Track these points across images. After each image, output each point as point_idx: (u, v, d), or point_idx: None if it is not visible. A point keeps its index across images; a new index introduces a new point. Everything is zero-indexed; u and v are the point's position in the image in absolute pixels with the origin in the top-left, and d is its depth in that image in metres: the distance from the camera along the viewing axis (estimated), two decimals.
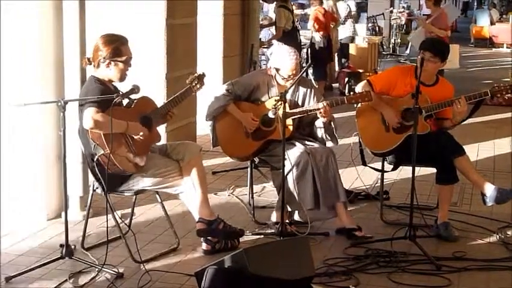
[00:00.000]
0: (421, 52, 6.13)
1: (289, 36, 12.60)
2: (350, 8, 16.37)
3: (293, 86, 6.00)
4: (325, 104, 5.94)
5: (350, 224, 6.01)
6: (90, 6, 6.48)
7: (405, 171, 6.88)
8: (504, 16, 28.14)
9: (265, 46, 13.55)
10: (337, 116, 10.10)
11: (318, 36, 14.00)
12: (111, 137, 5.02)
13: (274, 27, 13.41)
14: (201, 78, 5.88)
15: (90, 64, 5.44)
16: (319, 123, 6.17)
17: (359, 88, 6.25)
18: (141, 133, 5.29)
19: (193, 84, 5.81)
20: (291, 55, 6.06)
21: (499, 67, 19.73)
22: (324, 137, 6.21)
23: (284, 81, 6.07)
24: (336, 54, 15.36)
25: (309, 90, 6.24)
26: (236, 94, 6.20)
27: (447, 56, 6.26)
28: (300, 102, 6.20)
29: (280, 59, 6.08)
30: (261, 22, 13.87)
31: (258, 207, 6.62)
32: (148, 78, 7.54)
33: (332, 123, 6.16)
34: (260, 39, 12.68)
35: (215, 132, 6.28)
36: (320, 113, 5.95)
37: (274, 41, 12.91)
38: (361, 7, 22.94)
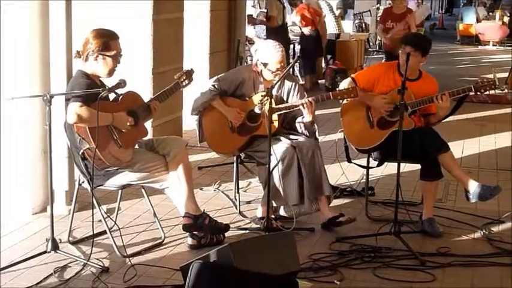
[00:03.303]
0: (402, 47, 6.15)
1: (279, 32, 12.65)
2: (330, 6, 16.47)
3: (279, 82, 6.01)
4: (310, 100, 5.96)
5: (332, 214, 6.04)
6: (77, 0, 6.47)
7: (390, 168, 6.91)
8: (490, 14, 28.22)
9: (251, 42, 13.57)
10: (322, 112, 10.23)
11: (306, 31, 14.22)
12: (97, 132, 5.01)
13: (267, 23, 13.46)
14: (189, 74, 5.89)
15: (80, 57, 5.43)
16: (300, 118, 6.17)
17: (344, 85, 6.26)
18: (128, 124, 5.29)
19: (182, 79, 5.82)
20: (276, 48, 6.08)
21: (485, 64, 19.80)
22: (303, 133, 6.21)
23: (273, 75, 6.05)
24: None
25: (293, 84, 6.25)
26: (222, 89, 6.20)
27: (428, 49, 6.28)
28: (285, 98, 6.21)
29: (267, 54, 6.08)
30: (257, 18, 13.86)
31: (243, 203, 6.63)
32: (134, 73, 7.54)
33: (315, 124, 6.18)
34: (247, 37, 12.69)
35: (201, 127, 6.28)
36: (305, 108, 5.96)
37: (255, 38, 12.98)
38: (348, 4, 22.97)
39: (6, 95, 5.69)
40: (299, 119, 6.15)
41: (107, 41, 5.34)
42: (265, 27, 13.35)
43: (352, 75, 6.58)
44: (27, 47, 6.02)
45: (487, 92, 6.32)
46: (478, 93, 6.17)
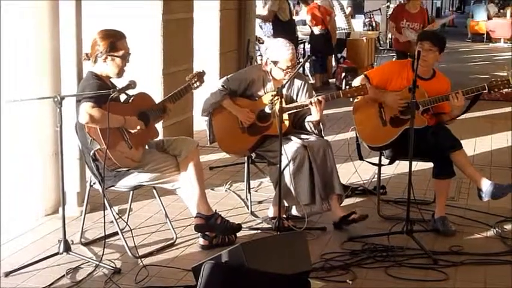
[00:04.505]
0: (420, 43, 6.13)
1: (286, 29, 12.65)
2: (341, 4, 16.47)
3: (288, 81, 6.00)
4: (320, 99, 5.95)
5: (343, 213, 6.02)
6: (87, 1, 6.47)
7: (402, 166, 6.89)
8: (501, 11, 28.14)
9: (261, 42, 13.58)
10: (333, 111, 10.22)
11: (316, 30, 14.24)
12: (107, 132, 5.01)
13: (272, 20, 13.47)
14: (200, 76, 5.89)
15: (89, 59, 5.44)
16: (309, 118, 6.15)
17: (356, 82, 6.24)
18: (138, 127, 5.29)
19: (193, 81, 5.82)
20: (287, 46, 6.06)
21: (496, 62, 19.73)
22: (314, 132, 6.19)
23: (284, 74, 6.04)
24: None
25: (302, 83, 6.24)
26: (231, 90, 6.19)
27: (444, 47, 6.26)
28: (294, 97, 6.20)
29: (277, 52, 6.07)
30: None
31: (255, 203, 6.62)
32: (144, 74, 7.54)
33: (321, 124, 6.16)
34: (257, 36, 12.71)
35: (212, 128, 6.28)
36: (313, 106, 5.94)
37: (265, 38, 12.99)
38: (358, 3, 22.96)
39: (16, 96, 5.69)
40: (308, 118, 6.14)
41: (114, 41, 5.34)
42: (271, 25, 13.39)
43: (366, 72, 6.56)
44: (37, 47, 6.02)
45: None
46: (492, 92, 6.14)
